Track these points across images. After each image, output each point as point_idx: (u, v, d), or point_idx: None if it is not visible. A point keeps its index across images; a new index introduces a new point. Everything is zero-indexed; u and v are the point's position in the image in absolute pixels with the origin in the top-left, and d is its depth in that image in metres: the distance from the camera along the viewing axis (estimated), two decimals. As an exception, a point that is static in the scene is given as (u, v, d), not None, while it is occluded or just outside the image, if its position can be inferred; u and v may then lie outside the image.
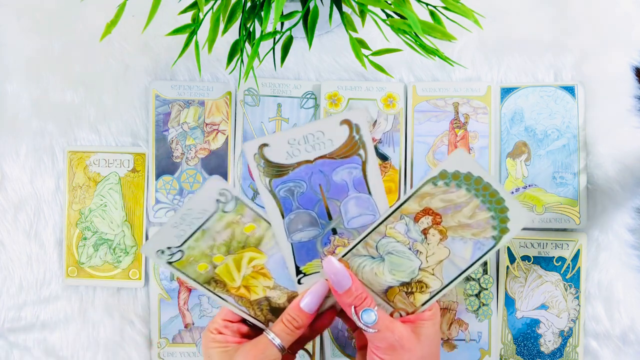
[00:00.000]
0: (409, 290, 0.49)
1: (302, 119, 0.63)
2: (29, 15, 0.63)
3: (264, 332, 0.48)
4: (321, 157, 0.47)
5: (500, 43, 0.62)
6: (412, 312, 0.49)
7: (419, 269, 0.48)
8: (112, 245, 0.63)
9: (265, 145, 0.46)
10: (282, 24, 0.51)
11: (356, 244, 0.48)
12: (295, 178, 0.48)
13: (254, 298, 0.50)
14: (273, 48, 0.49)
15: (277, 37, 0.46)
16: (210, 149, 0.62)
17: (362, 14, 0.43)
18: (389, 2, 0.39)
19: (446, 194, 0.47)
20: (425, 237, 0.48)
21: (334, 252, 0.49)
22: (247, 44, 0.46)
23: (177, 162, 0.63)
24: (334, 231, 0.49)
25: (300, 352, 0.61)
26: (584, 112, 0.61)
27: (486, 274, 0.61)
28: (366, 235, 0.48)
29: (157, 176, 0.63)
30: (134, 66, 0.63)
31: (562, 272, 0.61)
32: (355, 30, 0.44)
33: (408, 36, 0.43)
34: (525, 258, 0.61)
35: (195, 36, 0.45)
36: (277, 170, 0.47)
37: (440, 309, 0.61)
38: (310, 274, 0.49)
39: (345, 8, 0.46)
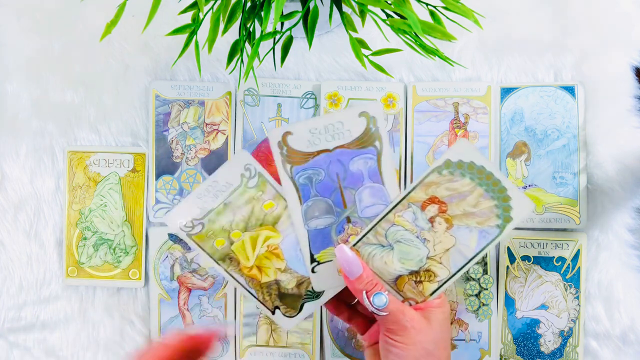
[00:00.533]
0: (418, 279, 0.50)
1: (302, 119, 0.63)
2: (29, 15, 0.63)
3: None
4: (340, 146, 0.50)
5: (500, 43, 0.62)
6: (422, 302, 0.50)
7: (427, 257, 0.49)
8: (112, 245, 0.63)
9: (289, 133, 0.49)
10: (282, 24, 0.51)
11: (367, 231, 0.50)
12: (314, 166, 0.50)
13: (265, 280, 0.51)
14: (273, 48, 0.49)
15: (277, 37, 0.47)
16: (210, 149, 0.62)
17: (362, 14, 0.43)
18: (389, 2, 0.39)
19: (451, 182, 0.49)
20: (432, 225, 0.49)
21: (347, 241, 0.50)
22: (247, 44, 0.46)
23: (177, 162, 0.63)
24: (348, 220, 0.50)
25: (300, 352, 0.62)
26: (584, 112, 0.61)
27: (486, 274, 0.61)
28: (376, 223, 0.50)
29: (157, 176, 0.63)
30: (134, 66, 0.63)
31: (562, 272, 0.61)
32: (355, 30, 0.44)
33: (408, 36, 0.43)
34: (525, 258, 0.61)
35: (195, 36, 0.45)
36: (299, 157, 0.50)
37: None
38: (324, 262, 0.51)
39: (345, 8, 0.46)
